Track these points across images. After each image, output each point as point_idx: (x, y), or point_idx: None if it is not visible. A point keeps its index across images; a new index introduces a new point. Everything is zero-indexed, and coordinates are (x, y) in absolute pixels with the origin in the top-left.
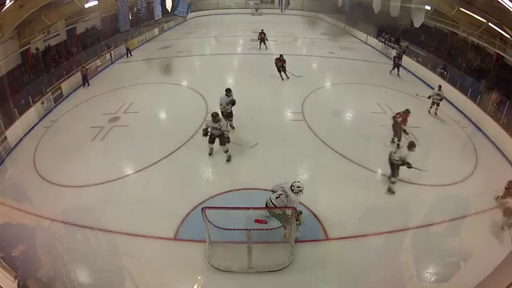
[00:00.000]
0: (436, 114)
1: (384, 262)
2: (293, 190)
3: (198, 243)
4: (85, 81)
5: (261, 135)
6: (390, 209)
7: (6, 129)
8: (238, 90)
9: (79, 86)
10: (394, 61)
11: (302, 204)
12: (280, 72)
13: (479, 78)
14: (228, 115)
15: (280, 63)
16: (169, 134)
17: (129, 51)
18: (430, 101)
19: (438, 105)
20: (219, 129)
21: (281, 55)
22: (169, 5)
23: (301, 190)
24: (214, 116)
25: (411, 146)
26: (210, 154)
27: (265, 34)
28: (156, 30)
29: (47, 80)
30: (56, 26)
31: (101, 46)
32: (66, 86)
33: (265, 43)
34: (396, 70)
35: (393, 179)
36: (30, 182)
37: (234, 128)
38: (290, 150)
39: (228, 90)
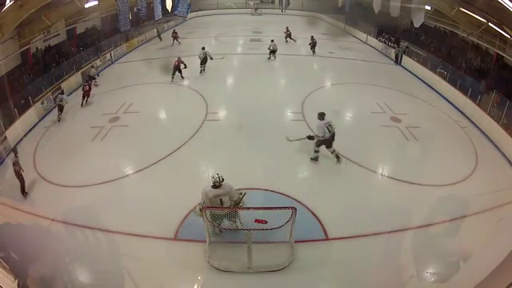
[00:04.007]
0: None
1: (384, 262)
2: (218, 184)
3: (198, 243)
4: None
5: (261, 135)
6: (390, 209)
7: (6, 129)
8: (238, 90)
9: (79, 86)
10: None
11: (302, 204)
12: None
13: (479, 78)
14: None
15: None
16: (169, 133)
17: (159, 35)
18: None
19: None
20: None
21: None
22: (169, 5)
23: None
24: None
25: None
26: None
27: (176, 32)
28: (156, 30)
29: (47, 80)
30: (56, 26)
31: (101, 45)
32: (65, 86)
33: (177, 40)
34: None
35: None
36: (29, 182)
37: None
38: (290, 149)
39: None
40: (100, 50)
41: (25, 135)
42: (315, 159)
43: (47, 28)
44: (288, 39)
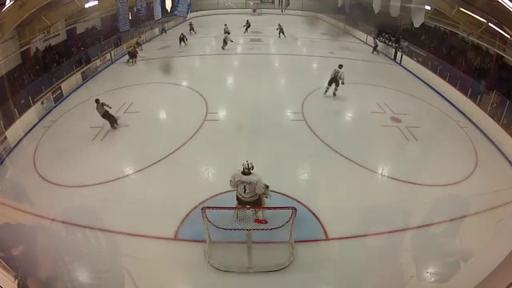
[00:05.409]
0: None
1: (384, 262)
2: (247, 171)
3: (198, 243)
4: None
5: (261, 135)
6: (390, 209)
7: (6, 129)
8: (239, 90)
9: (79, 86)
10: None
11: (302, 204)
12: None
13: (479, 78)
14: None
15: None
16: (169, 133)
17: (164, 31)
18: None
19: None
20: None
21: None
22: (169, 5)
23: (253, 167)
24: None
25: None
26: None
27: (192, 24)
28: (156, 30)
29: (47, 80)
30: (56, 26)
31: (101, 45)
32: (65, 85)
33: (193, 30)
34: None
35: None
36: (29, 182)
37: None
38: (290, 149)
39: None
40: (132, 34)
41: (25, 135)
42: (325, 92)
43: (47, 28)
44: (281, 35)
